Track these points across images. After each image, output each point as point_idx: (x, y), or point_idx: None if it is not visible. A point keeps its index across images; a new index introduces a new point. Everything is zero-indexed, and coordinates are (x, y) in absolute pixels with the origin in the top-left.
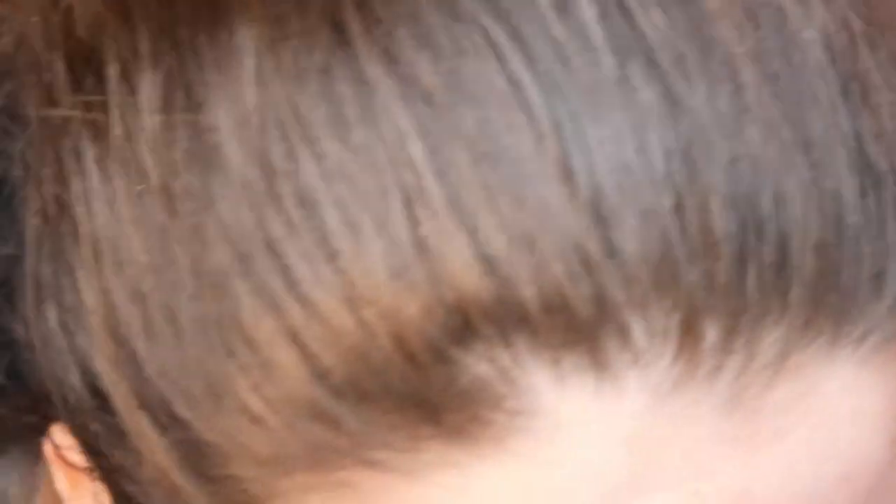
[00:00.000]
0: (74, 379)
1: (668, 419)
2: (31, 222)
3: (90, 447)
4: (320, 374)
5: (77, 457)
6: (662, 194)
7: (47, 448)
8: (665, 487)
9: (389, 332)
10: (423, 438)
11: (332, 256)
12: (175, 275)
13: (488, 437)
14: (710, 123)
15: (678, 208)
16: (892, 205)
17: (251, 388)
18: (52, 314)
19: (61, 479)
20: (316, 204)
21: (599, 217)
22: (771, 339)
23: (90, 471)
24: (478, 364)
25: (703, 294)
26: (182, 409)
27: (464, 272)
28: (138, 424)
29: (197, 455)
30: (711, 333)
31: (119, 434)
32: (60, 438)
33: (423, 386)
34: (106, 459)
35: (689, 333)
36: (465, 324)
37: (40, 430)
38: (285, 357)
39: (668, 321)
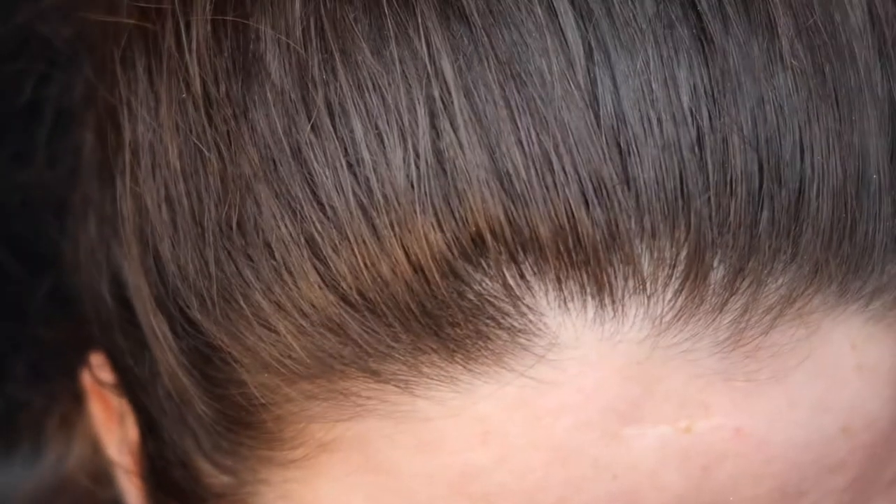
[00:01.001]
0: (105, 290)
1: (667, 351)
2: (87, 138)
3: (116, 364)
4: (331, 281)
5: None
6: (684, 128)
7: (85, 380)
8: (658, 420)
9: (400, 241)
10: (424, 351)
11: (354, 164)
12: (204, 179)
13: (487, 354)
14: (741, 66)
15: (699, 143)
16: None
17: (263, 292)
18: (92, 226)
19: (97, 412)
20: (345, 113)
21: (619, 144)
22: (778, 283)
23: (116, 389)
24: (484, 280)
25: (713, 229)
26: (196, 313)
27: (479, 186)
28: (156, 329)
29: (205, 359)
30: (718, 270)
31: (140, 345)
32: (97, 372)
33: (429, 298)
34: (129, 374)
35: (695, 268)
36: (475, 238)
37: (79, 355)
38: (299, 261)
39: (677, 253)
